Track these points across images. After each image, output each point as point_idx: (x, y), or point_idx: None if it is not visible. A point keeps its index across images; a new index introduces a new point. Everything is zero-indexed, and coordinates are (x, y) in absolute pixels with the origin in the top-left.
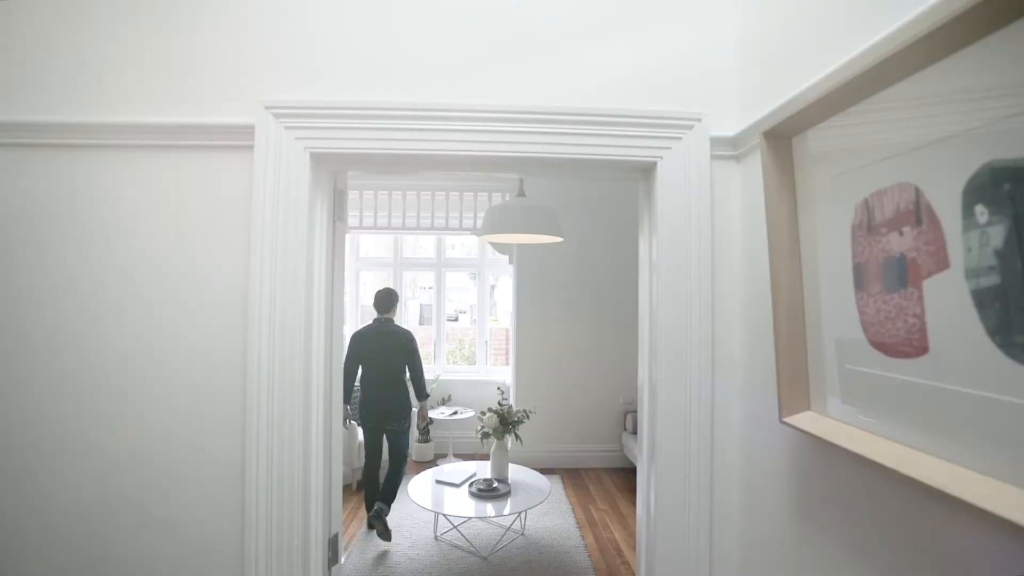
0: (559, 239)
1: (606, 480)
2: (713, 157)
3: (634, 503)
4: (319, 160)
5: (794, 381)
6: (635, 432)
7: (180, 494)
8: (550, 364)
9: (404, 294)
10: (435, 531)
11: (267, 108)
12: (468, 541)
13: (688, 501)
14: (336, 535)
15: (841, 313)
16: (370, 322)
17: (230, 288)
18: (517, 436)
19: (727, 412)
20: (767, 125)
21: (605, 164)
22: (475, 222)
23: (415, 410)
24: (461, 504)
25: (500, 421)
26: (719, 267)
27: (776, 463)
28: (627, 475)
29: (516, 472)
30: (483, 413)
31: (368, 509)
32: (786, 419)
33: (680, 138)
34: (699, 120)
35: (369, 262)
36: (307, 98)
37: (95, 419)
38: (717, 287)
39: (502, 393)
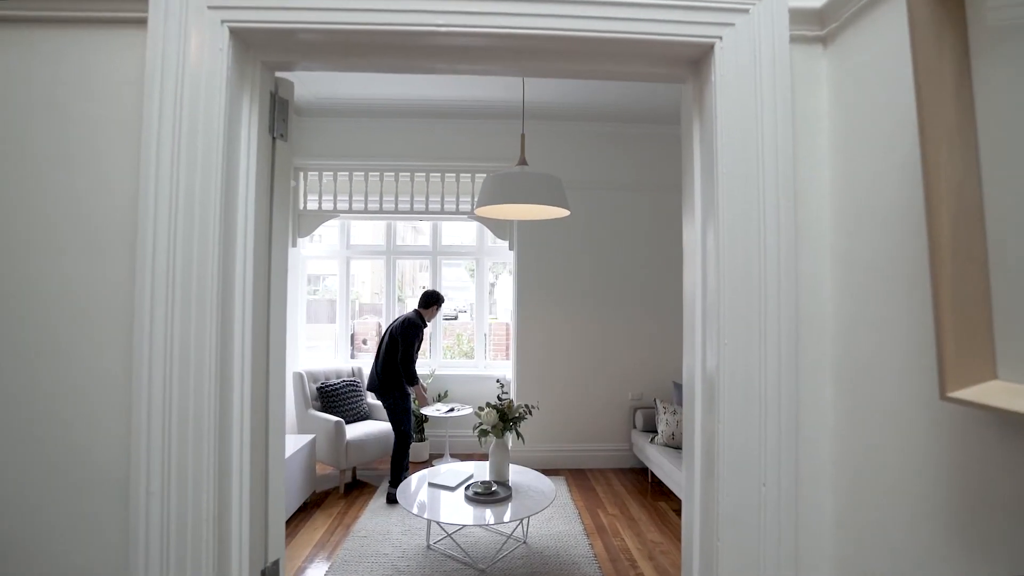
0: (565, 212)
1: (615, 482)
2: (792, 39)
3: (646, 506)
4: (245, 42)
5: (967, 336)
6: (646, 430)
7: (39, 512)
8: (554, 357)
9: (401, 292)
10: (428, 539)
11: None
12: (464, 551)
13: (763, 518)
14: (276, 563)
15: None
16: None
17: (117, 225)
18: (518, 434)
19: (815, 392)
20: None
21: (640, 48)
22: (472, 206)
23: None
24: (457, 510)
25: (500, 417)
26: (801, 192)
27: (914, 460)
28: (637, 476)
29: (517, 474)
30: (481, 408)
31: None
32: (955, 394)
33: (747, 10)
34: None
35: (360, 249)
36: None
37: None
38: (799, 222)
39: (502, 386)
